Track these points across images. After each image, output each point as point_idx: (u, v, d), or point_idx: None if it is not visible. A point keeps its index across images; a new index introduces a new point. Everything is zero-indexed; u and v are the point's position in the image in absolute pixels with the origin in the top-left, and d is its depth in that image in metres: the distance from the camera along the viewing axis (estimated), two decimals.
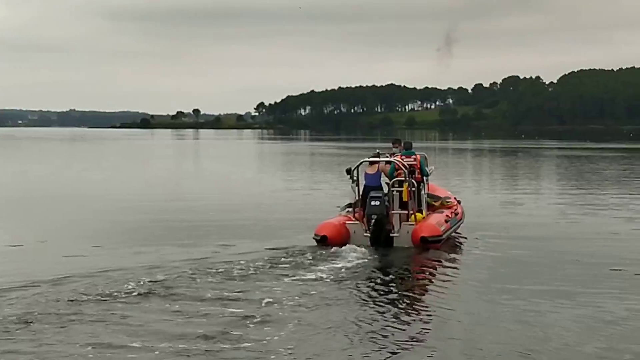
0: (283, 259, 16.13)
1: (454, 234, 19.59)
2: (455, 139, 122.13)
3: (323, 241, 18.08)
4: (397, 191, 19.26)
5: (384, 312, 11.95)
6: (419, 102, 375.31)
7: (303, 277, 14.36)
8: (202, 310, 11.81)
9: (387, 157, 19.87)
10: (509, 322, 11.19)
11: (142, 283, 13.64)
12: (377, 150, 20.16)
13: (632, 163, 55.11)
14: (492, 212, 25.26)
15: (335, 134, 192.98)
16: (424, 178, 19.89)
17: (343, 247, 17.53)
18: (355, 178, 19.16)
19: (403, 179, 19.19)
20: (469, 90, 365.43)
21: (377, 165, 19.42)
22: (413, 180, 19.15)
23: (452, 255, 17.19)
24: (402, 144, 20.28)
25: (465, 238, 19.66)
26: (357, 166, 19.22)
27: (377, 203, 18.30)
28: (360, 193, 19.09)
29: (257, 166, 56.99)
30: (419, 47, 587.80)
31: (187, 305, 12.20)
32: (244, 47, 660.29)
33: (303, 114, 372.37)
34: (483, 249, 17.97)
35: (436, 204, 20.49)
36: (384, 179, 19.68)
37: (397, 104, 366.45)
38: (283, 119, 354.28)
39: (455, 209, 20.61)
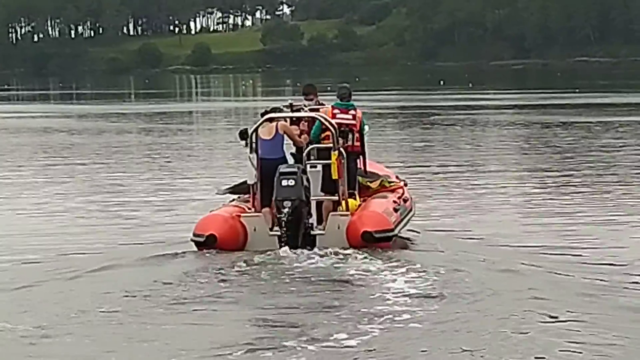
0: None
1: (403, 230, 19.88)
2: (295, 90, 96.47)
3: (209, 243, 17.78)
4: (321, 165, 19.17)
5: None
6: (219, 15, 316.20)
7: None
8: None
9: (304, 110, 20.09)
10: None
11: None
12: (290, 101, 20.52)
13: None
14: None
15: (39, 85, 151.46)
16: (364, 147, 20.22)
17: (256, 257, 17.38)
18: (255, 145, 19.20)
19: (331, 145, 18.95)
20: None
21: (274, 125, 19.26)
22: (342, 150, 19.13)
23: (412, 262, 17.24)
24: (338, 91, 20.19)
25: (418, 234, 20.12)
26: (259, 125, 19.36)
27: (292, 183, 18.13)
28: (257, 170, 19.30)
29: None
30: None
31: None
32: None
33: None
34: (449, 252, 18.15)
35: (373, 185, 20.47)
36: (291, 147, 20.07)
37: (170, 19, 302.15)
38: None
39: (403, 194, 20.55)
